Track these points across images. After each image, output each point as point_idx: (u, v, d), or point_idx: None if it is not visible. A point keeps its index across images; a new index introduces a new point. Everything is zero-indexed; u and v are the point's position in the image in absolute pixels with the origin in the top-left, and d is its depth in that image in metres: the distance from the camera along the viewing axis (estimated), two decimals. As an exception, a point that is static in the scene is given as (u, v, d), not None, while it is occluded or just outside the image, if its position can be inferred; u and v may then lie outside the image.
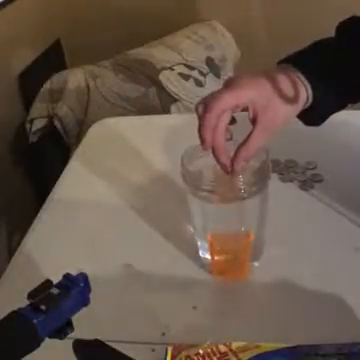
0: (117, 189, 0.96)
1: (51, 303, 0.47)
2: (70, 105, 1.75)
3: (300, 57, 0.74)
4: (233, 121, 0.70)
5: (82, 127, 1.73)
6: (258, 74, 0.70)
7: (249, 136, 0.69)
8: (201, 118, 0.67)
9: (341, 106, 0.78)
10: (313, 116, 0.75)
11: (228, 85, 0.69)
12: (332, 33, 0.83)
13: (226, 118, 0.68)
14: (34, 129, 1.79)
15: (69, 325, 0.49)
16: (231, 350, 0.58)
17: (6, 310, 0.46)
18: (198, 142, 0.70)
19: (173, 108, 1.81)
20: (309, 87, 0.70)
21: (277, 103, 0.69)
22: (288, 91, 0.69)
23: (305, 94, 0.71)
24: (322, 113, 0.76)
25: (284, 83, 0.69)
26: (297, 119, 0.75)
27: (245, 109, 0.69)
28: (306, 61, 0.72)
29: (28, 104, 1.85)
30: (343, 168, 0.95)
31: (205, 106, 0.67)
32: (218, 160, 0.69)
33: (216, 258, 0.74)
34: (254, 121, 0.69)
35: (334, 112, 0.77)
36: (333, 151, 1.00)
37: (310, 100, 0.71)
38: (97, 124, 1.24)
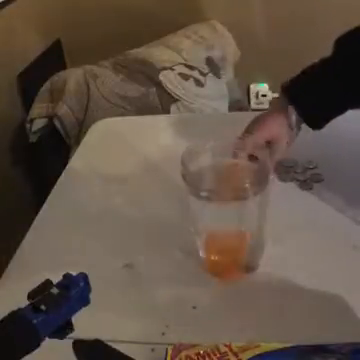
0: (117, 189, 0.96)
1: (51, 303, 0.47)
2: (70, 105, 1.75)
3: (295, 90, 0.88)
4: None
5: (82, 127, 1.73)
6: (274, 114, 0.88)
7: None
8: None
9: (340, 112, 0.87)
10: (315, 126, 0.89)
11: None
12: (331, 33, 0.84)
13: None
14: (34, 129, 1.79)
15: (69, 325, 0.49)
16: (231, 350, 0.58)
17: (6, 310, 0.46)
18: (198, 142, 0.70)
19: (173, 108, 1.81)
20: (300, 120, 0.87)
21: (282, 133, 0.87)
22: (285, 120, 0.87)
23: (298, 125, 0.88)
24: (319, 122, 0.89)
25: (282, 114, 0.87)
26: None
27: None
28: (299, 94, 0.87)
29: (28, 104, 1.85)
30: (343, 168, 0.95)
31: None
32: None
33: (213, 258, 0.74)
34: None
35: (335, 117, 0.87)
36: (333, 151, 1.00)
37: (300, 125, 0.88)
38: (97, 124, 1.24)
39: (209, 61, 1.97)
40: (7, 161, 1.84)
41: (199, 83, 1.90)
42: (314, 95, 0.86)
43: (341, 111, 0.87)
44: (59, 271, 0.50)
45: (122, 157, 1.05)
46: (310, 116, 0.87)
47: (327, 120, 0.88)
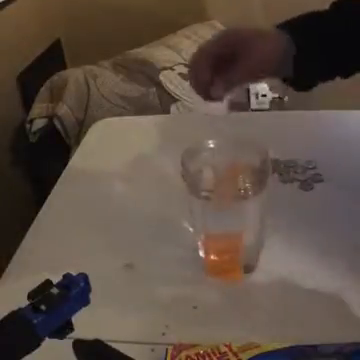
0: (117, 189, 0.96)
1: (51, 303, 0.47)
2: (70, 105, 1.75)
3: (286, 21, 0.78)
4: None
5: (82, 127, 1.73)
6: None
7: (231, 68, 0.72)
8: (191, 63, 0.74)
9: (329, 73, 0.79)
10: (302, 79, 0.78)
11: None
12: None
13: (210, 47, 0.74)
14: (34, 129, 1.79)
15: (69, 325, 0.49)
16: (231, 350, 0.58)
17: (6, 310, 0.46)
18: (198, 142, 0.70)
19: (173, 108, 1.81)
20: (290, 38, 0.74)
21: (258, 41, 0.74)
22: (270, 36, 0.75)
23: (284, 38, 0.74)
24: (309, 76, 0.78)
25: (265, 31, 0.77)
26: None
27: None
28: (294, 23, 0.77)
29: (28, 104, 1.85)
30: (343, 168, 0.95)
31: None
32: (194, 83, 0.73)
33: (212, 258, 0.74)
34: (235, 56, 0.72)
35: (322, 79, 0.79)
36: (333, 151, 1.00)
37: (291, 50, 0.74)
38: (97, 124, 1.24)
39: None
40: (7, 161, 1.84)
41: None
42: (314, 35, 0.76)
43: (333, 68, 0.78)
44: (59, 271, 0.50)
45: (122, 157, 1.05)
46: (305, 56, 0.75)
47: (315, 79, 0.79)
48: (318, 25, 0.77)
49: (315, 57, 0.75)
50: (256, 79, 0.79)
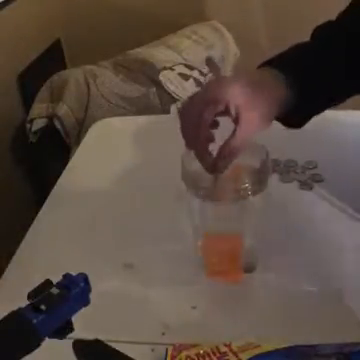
0: (117, 189, 0.96)
1: (51, 303, 0.47)
2: (70, 105, 1.75)
3: (280, 59, 0.75)
4: (216, 125, 0.70)
5: (82, 127, 1.73)
6: (239, 75, 0.72)
7: (232, 133, 0.68)
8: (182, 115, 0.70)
9: (321, 108, 0.77)
10: (294, 118, 0.75)
11: (209, 85, 0.72)
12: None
13: (209, 115, 0.67)
14: (34, 129, 1.79)
15: (69, 325, 0.49)
16: (231, 350, 0.58)
17: (6, 310, 0.46)
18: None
19: (173, 108, 1.81)
20: (286, 86, 0.70)
21: (258, 101, 0.69)
22: (269, 90, 0.70)
23: (284, 92, 0.70)
24: (302, 114, 0.75)
25: (264, 83, 0.71)
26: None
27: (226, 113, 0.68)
28: (286, 63, 0.73)
29: (28, 104, 1.85)
30: (343, 168, 0.95)
31: (186, 103, 0.70)
32: (200, 157, 0.68)
33: (212, 258, 0.74)
34: (236, 119, 0.68)
35: (314, 114, 0.77)
36: (333, 151, 1.00)
37: (288, 100, 0.71)
38: (97, 124, 1.24)
39: (209, 61, 1.97)
40: (7, 161, 1.84)
41: (199, 83, 1.90)
42: (305, 73, 0.72)
43: (329, 97, 0.76)
44: (59, 271, 0.50)
45: (122, 157, 1.05)
46: (301, 97, 0.71)
47: (310, 115, 0.76)
48: (306, 61, 0.74)
49: (309, 95, 0.72)
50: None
